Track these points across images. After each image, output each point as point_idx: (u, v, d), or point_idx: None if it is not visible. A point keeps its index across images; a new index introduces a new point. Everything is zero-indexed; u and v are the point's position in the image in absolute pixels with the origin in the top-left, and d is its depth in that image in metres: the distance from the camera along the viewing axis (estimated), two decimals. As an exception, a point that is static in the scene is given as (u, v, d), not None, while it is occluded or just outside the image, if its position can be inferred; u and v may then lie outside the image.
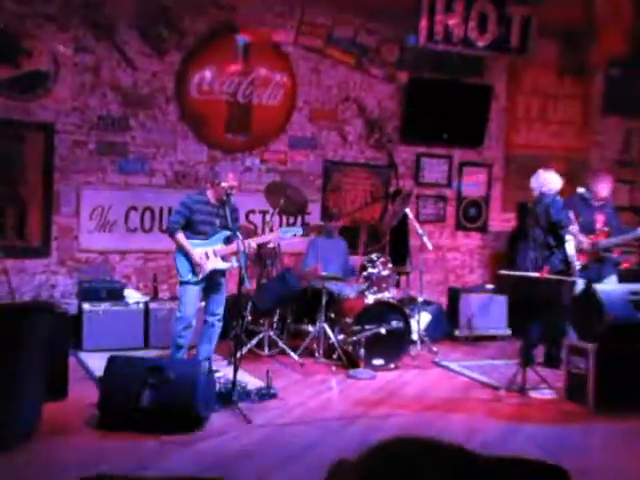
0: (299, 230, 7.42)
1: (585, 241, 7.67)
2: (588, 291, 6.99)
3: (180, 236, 6.78)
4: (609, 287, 7.14)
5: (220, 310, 6.99)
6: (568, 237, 7.57)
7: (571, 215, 7.69)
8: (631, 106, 11.44)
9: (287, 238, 7.39)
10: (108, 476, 2.19)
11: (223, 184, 6.72)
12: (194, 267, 6.77)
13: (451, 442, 1.22)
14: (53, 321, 5.75)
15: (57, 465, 4.83)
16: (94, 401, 5.72)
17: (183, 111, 9.05)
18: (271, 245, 8.06)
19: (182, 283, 6.91)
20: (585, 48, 10.10)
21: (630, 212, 10.36)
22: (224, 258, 6.86)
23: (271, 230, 8.06)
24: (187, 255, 6.77)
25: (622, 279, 7.90)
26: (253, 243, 7.04)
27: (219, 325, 7.00)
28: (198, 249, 6.77)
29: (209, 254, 6.80)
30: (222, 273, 6.96)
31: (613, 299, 6.75)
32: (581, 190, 7.58)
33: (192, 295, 6.86)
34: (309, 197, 9.22)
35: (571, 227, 7.58)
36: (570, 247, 7.54)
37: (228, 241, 6.79)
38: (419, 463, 1.12)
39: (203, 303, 7.13)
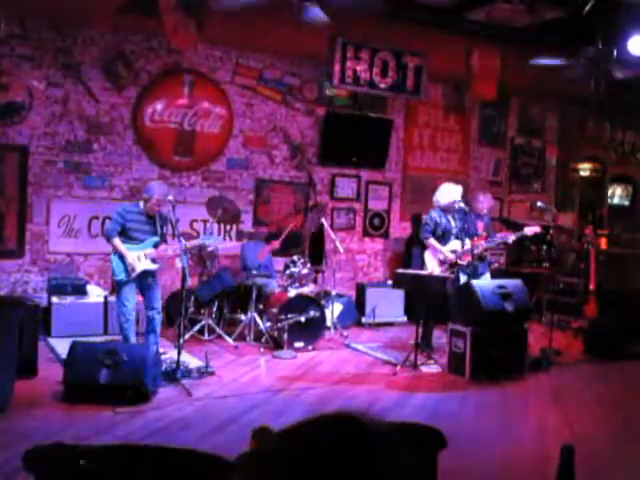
0: (219, 239, 7.81)
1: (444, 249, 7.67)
2: (467, 286, 7.15)
3: (116, 241, 6.64)
4: (482, 282, 7.29)
5: (157, 304, 6.81)
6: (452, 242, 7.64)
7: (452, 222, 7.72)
8: (499, 139, 11.78)
9: (209, 244, 7.62)
10: (61, 444, 2.15)
11: (151, 199, 6.65)
12: (127, 267, 6.64)
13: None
14: (24, 312, 5.63)
15: (27, 432, 4.72)
16: (60, 379, 5.63)
17: (138, 137, 8.92)
18: (210, 248, 8.01)
19: (118, 282, 6.75)
20: (464, 92, 10.33)
21: (499, 222, 10.62)
22: (154, 260, 6.71)
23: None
24: (122, 257, 6.63)
25: (493, 276, 8.09)
26: (175, 249, 6.97)
27: (159, 317, 6.84)
28: (131, 253, 6.64)
29: (140, 257, 6.65)
30: (153, 273, 6.79)
31: (486, 292, 6.92)
32: (462, 204, 7.70)
33: (129, 292, 6.70)
34: (242, 208, 9.21)
35: (430, 240, 7.66)
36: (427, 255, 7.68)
37: (157, 246, 6.71)
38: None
39: (141, 298, 6.99)
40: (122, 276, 6.66)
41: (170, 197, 6.68)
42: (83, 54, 8.51)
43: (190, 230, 8.91)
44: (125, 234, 6.70)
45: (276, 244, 8.75)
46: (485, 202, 8.27)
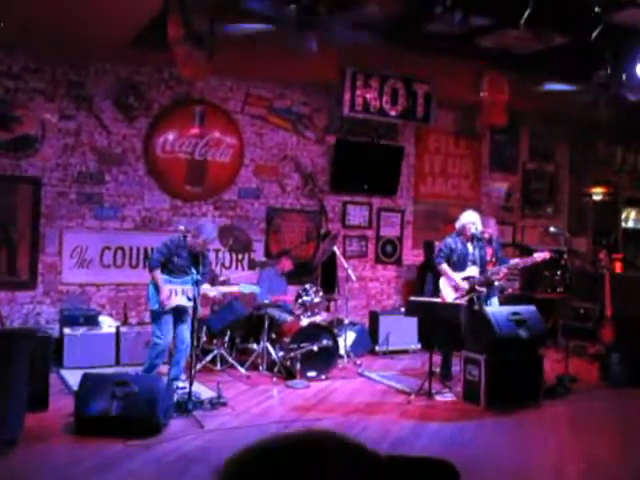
0: (256, 289, 7.74)
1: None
2: (480, 312, 7.08)
3: (157, 272, 6.65)
4: (495, 309, 7.23)
5: (187, 338, 6.77)
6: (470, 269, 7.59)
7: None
8: (510, 165, 11.77)
9: (246, 292, 7.55)
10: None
11: (201, 239, 6.68)
12: (161, 303, 6.66)
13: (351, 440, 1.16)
14: (35, 344, 5.61)
15: (36, 467, 4.68)
16: (71, 411, 5.59)
17: (149, 167, 8.97)
18: (222, 278, 8.00)
19: (152, 312, 6.76)
20: (474, 118, 10.32)
21: (512, 247, 10.55)
22: (189, 298, 6.67)
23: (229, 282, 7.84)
24: (157, 289, 6.66)
25: (504, 302, 7.98)
26: (217, 292, 7.07)
27: (186, 351, 6.81)
28: (169, 285, 6.65)
29: (177, 291, 6.67)
30: (187, 309, 6.78)
31: (499, 318, 6.85)
32: (474, 230, 7.65)
33: (164, 324, 6.68)
34: (254, 237, 9.21)
35: (442, 265, 7.63)
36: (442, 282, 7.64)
37: (196, 284, 6.60)
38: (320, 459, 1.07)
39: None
40: (157, 307, 6.67)
41: (182, 227, 6.81)
42: (95, 86, 8.61)
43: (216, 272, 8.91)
44: (166, 266, 6.71)
45: (288, 264, 8.70)
46: (489, 227, 8.24)
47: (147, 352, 6.97)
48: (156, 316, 6.73)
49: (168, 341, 6.73)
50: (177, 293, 6.68)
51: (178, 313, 6.78)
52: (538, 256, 7.63)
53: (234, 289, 7.38)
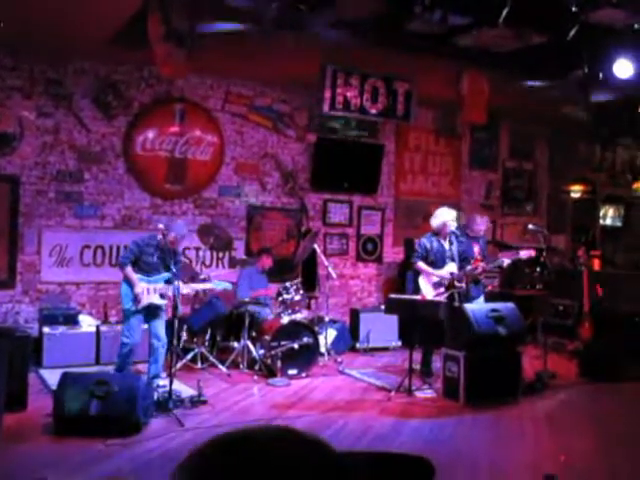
0: (228, 285, 7.66)
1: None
2: (459, 309, 7.13)
3: (129, 269, 6.68)
4: (475, 306, 7.27)
5: (162, 334, 6.80)
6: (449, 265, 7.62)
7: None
8: (490, 162, 11.85)
9: (219, 289, 7.56)
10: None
11: (171, 234, 6.68)
12: (134, 298, 6.67)
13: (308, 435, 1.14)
14: (13, 343, 5.58)
15: (15, 467, 4.65)
16: (50, 411, 5.56)
17: (129, 165, 8.93)
18: (202, 276, 7.98)
19: (125, 311, 6.78)
20: (455, 116, 10.39)
21: (492, 245, 10.61)
22: (162, 296, 6.74)
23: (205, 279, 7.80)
24: (131, 286, 6.65)
25: (486, 299, 8.05)
26: (190, 289, 7.06)
27: (163, 348, 6.82)
28: (141, 283, 6.67)
29: (150, 290, 6.69)
30: (160, 306, 6.82)
31: (478, 316, 6.90)
32: (453, 228, 7.68)
33: (134, 324, 6.71)
34: (235, 236, 9.20)
35: (418, 263, 7.66)
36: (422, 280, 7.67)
37: (168, 282, 6.68)
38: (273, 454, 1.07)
39: (146, 326, 7.00)
40: (129, 305, 6.68)
41: (161, 225, 6.81)
42: (74, 84, 8.55)
43: (183, 258, 8.87)
44: (138, 265, 6.72)
45: (268, 261, 8.70)
46: (482, 225, 8.28)
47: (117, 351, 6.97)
48: (127, 315, 6.75)
49: (136, 340, 6.74)
50: (149, 292, 6.70)
51: (151, 311, 6.78)
52: (524, 253, 7.66)
53: (207, 286, 7.35)
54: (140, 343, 6.83)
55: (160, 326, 6.82)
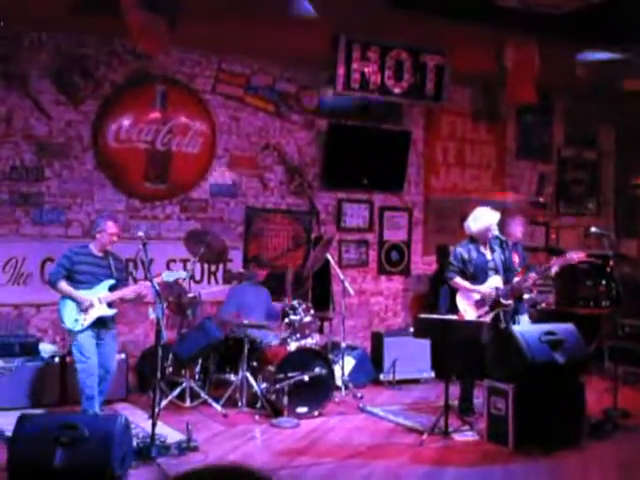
0: (182, 274, 7.65)
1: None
2: (506, 333, 7.08)
3: (63, 284, 6.93)
4: (525, 328, 7.22)
5: (110, 362, 7.05)
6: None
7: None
8: (542, 151, 11.80)
9: (171, 282, 7.57)
10: None
11: (104, 233, 6.94)
12: (78, 314, 6.83)
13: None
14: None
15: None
16: (3, 463, 5.54)
17: (100, 160, 8.97)
18: (191, 294, 7.99)
19: (70, 332, 6.95)
20: (497, 95, 10.37)
21: (546, 253, 10.57)
22: (109, 305, 6.96)
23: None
24: (72, 303, 6.87)
25: (537, 320, 7.99)
26: (138, 287, 7.22)
27: (110, 378, 7.10)
28: (85, 295, 6.90)
29: (94, 302, 6.88)
30: (108, 323, 7.03)
31: (530, 340, 6.85)
32: (497, 232, 7.65)
33: (86, 342, 6.88)
34: (231, 244, 9.21)
35: (455, 279, 7.63)
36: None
37: (113, 289, 6.95)
38: None
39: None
40: (72, 325, 6.86)
41: (141, 233, 6.84)
42: (30, 61, 8.59)
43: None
44: (73, 278, 6.97)
45: (261, 273, 8.74)
46: (519, 227, 8.25)
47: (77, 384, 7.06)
48: (74, 337, 6.91)
49: (93, 361, 6.89)
50: (94, 304, 6.89)
51: (98, 330, 6.96)
52: (573, 255, 7.58)
53: (156, 280, 7.25)
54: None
55: (109, 351, 7.05)
